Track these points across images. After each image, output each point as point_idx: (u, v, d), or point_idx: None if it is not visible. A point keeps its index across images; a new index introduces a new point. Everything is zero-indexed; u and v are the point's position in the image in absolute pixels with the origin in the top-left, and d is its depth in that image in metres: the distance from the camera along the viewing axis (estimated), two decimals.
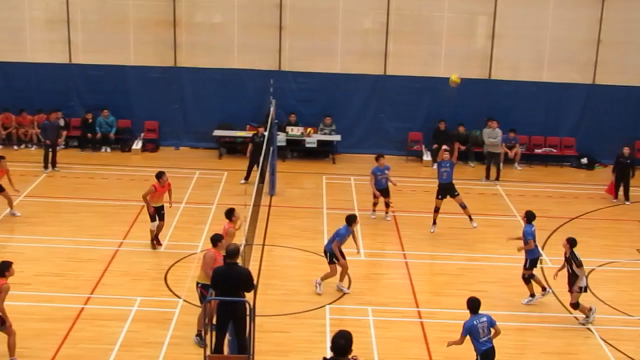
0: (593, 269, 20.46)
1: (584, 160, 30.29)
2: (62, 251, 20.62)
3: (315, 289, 18.71)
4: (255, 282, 14.41)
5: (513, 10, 29.93)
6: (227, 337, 14.41)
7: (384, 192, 23.47)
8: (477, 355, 14.56)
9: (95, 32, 30.38)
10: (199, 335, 16.16)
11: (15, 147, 28.83)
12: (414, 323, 17.58)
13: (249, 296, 14.06)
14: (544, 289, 18.56)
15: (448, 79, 23.68)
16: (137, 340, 16.46)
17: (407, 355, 16.34)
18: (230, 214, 18.00)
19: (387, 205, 23.84)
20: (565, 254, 17.63)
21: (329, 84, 30.17)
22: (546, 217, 23.30)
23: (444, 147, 23.94)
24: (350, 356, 10.88)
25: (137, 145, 30.07)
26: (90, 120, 29.98)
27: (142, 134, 30.44)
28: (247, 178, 25.92)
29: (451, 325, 17.46)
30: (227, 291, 13.97)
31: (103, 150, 29.93)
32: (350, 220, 18.92)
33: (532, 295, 18.58)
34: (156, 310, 17.72)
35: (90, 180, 25.83)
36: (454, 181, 22.64)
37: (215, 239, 16.20)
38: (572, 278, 17.53)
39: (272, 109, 25.34)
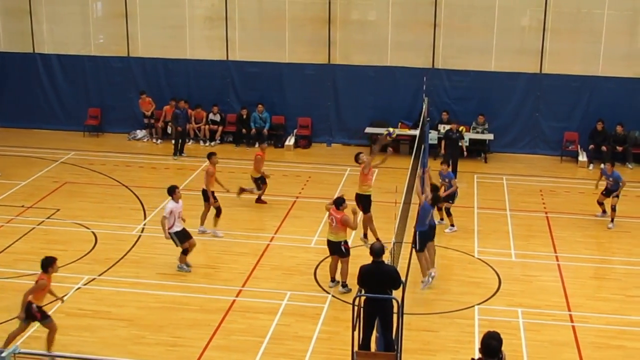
0: None
1: None
2: (217, 244, 21.13)
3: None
4: (403, 279, 14.40)
5: None
6: (375, 334, 14.44)
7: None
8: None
9: (252, 30, 30.98)
10: (345, 285, 18.44)
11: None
12: (566, 327, 17.16)
13: (397, 294, 14.05)
14: None
15: None
16: (287, 333, 16.70)
17: (559, 359, 15.97)
18: (357, 158, 21.03)
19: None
20: None
21: (483, 82, 29.74)
22: None
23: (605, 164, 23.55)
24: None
25: (290, 141, 30.46)
26: (245, 116, 30.59)
27: (295, 130, 30.80)
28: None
29: (605, 330, 17.03)
30: (375, 289, 13.99)
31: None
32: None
33: None
34: (306, 305, 17.93)
35: (243, 175, 26.27)
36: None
37: (339, 202, 18.37)
38: None
39: (424, 107, 25.20)
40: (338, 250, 18.41)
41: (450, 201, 22.11)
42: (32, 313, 15.29)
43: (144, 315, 17.31)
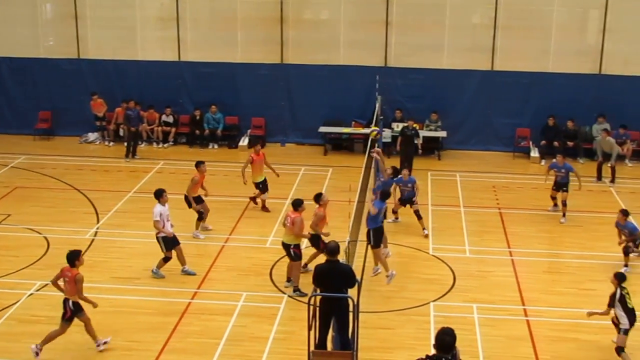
0: None
1: None
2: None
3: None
4: (358, 278, 14.40)
5: (626, 4, 29.06)
6: (331, 333, 14.44)
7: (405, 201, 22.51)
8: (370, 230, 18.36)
9: (204, 30, 30.87)
10: (296, 290, 18.26)
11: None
12: (520, 321, 17.29)
13: (352, 292, 14.05)
14: None
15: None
16: (243, 334, 16.64)
17: (514, 353, 16.08)
18: (318, 198, 18.96)
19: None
20: None
21: (436, 80, 29.88)
22: None
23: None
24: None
25: (244, 141, 30.35)
26: (198, 117, 30.46)
27: (249, 131, 30.71)
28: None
29: (559, 323, 17.19)
30: (330, 288, 13.97)
31: (210, 146, 30.35)
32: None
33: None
34: (261, 306, 17.88)
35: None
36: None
37: (297, 204, 18.39)
38: None
39: (377, 105, 25.25)
40: (288, 253, 18.44)
41: (415, 203, 22.13)
42: (66, 309, 15.45)
43: (98, 320, 17.02)
